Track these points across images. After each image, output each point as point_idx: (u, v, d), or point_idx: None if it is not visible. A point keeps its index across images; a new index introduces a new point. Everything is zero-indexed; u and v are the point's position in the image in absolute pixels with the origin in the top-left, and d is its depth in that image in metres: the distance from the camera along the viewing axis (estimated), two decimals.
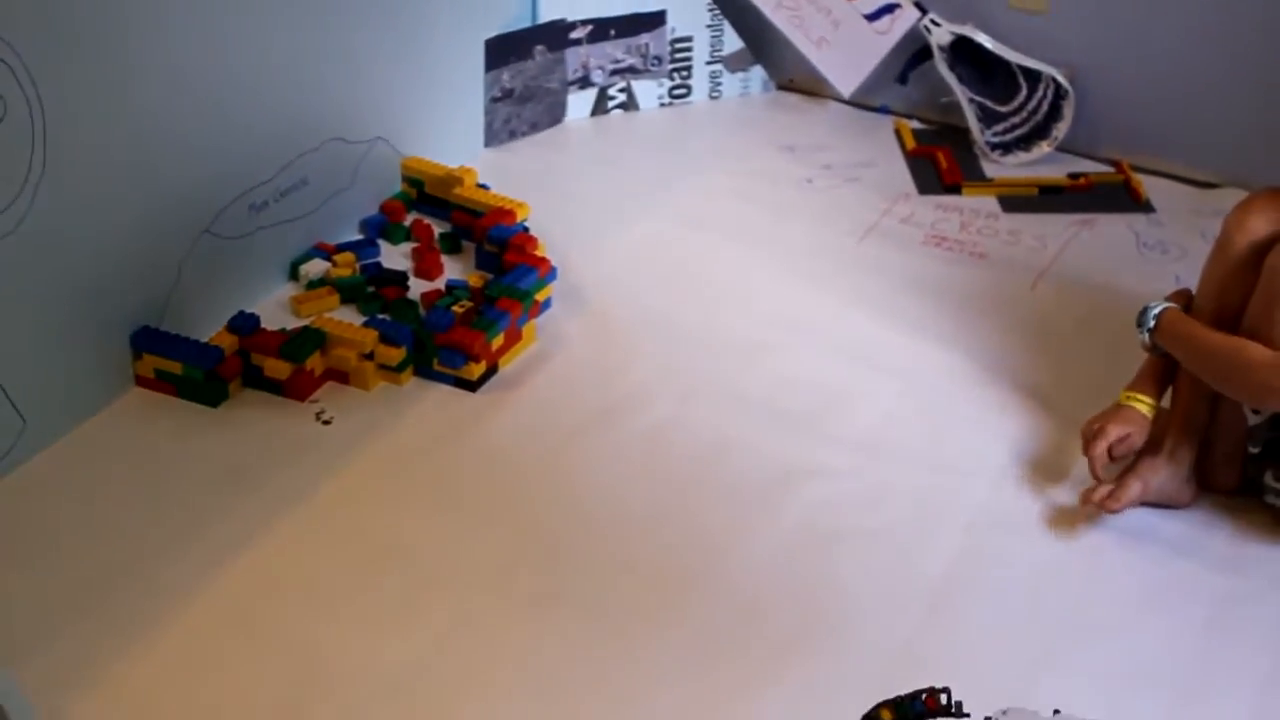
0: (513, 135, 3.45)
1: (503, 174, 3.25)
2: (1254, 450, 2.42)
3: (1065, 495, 2.47)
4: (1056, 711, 2.01)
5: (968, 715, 2.00)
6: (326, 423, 2.59)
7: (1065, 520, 2.44)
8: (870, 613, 2.24)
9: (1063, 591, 2.32)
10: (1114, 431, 2.43)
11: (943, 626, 2.24)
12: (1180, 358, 2.42)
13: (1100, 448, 2.43)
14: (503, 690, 2.11)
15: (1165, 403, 2.47)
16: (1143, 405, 2.45)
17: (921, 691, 2.00)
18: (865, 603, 2.26)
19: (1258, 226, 2.39)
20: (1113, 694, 2.14)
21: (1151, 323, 2.43)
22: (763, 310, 2.93)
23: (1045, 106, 3.47)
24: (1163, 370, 2.47)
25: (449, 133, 3.26)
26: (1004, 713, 2.01)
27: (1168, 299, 2.48)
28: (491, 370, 2.72)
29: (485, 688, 2.11)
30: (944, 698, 2.00)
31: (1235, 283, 2.39)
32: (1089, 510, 2.42)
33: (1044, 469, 2.53)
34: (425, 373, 2.70)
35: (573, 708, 2.08)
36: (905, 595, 2.29)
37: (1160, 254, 3.16)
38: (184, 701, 2.07)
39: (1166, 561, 2.37)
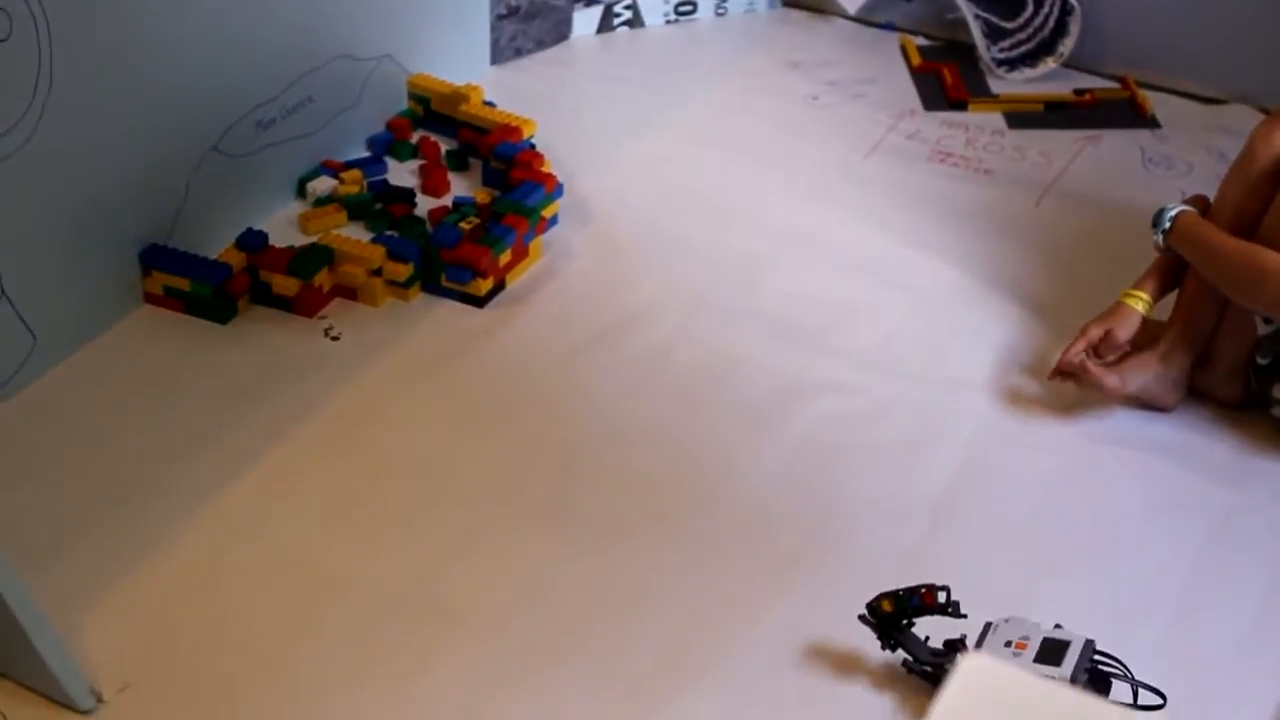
0: (518, 53, 3.43)
1: (509, 91, 3.23)
2: (1262, 362, 2.40)
3: (1065, 407, 2.46)
4: (1058, 626, 2.00)
5: (964, 616, 2.00)
6: (335, 338, 2.59)
7: (1068, 432, 2.43)
8: (875, 524, 2.24)
9: (1065, 503, 2.32)
10: (1094, 330, 2.43)
11: (946, 537, 2.24)
12: (1193, 261, 2.40)
13: (1076, 347, 2.42)
14: (507, 598, 2.11)
15: (1164, 316, 2.45)
16: (1138, 302, 2.44)
17: (921, 587, 2.00)
18: (870, 515, 2.26)
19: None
20: (1115, 603, 2.15)
21: (1167, 224, 2.41)
22: (768, 226, 2.91)
23: (1051, 22, 3.44)
24: (1168, 272, 2.45)
25: (455, 50, 3.23)
26: (1005, 620, 2.01)
27: (1185, 202, 2.46)
28: (499, 286, 2.71)
29: (490, 596, 2.11)
30: (942, 596, 2.00)
31: (1255, 197, 2.37)
32: (1064, 370, 2.43)
33: (1046, 389, 2.52)
34: (433, 289, 2.69)
35: (579, 617, 2.09)
36: (909, 507, 2.29)
37: (1165, 170, 3.14)
38: (198, 611, 2.08)
39: (1169, 474, 2.37)
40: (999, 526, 2.27)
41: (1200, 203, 2.47)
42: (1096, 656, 1.97)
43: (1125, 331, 2.43)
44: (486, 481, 2.31)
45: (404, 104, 3.12)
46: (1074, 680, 1.92)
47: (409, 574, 2.14)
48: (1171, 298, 2.46)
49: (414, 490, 2.29)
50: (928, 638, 2.02)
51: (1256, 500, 2.33)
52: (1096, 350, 2.43)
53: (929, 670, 2.01)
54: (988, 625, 2.02)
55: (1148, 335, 2.45)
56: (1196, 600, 2.16)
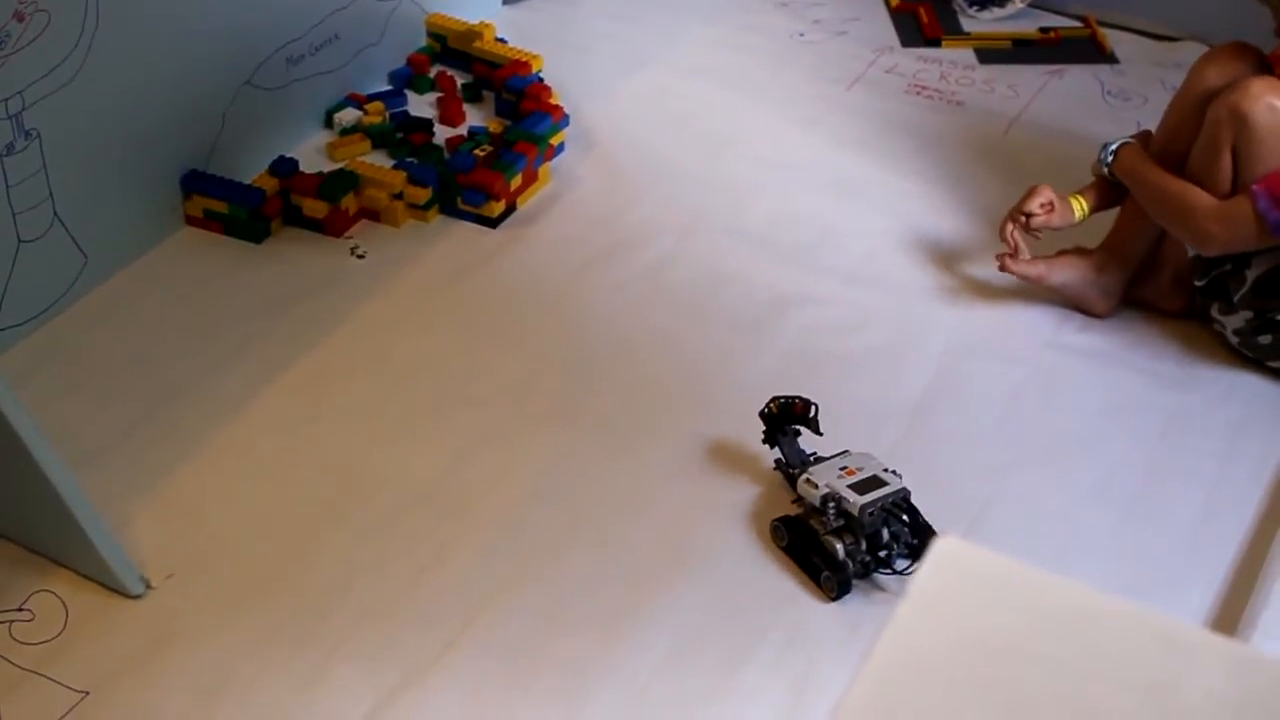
0: None
1: (519, 29, 3.19)
2: (1199, 284, 2.39)
3: (1031, 321, 2.45)
4: (895, 473, 2.02)
5: (822, 434, 2.07)
6: (360, 257, 2.57)
7: (1031, 343, 2.42)
8: (857, 426, 2.23)
9: (1028, 407, 2.31)
10: (1035, 200, 2.42)
11: (921, 438, 2.23)
12: (1131, 190, 2.39)
13: (1022, 206, 2.42)
14: (518, 495, 2.11)
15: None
16: (1076, 203, 2.44)
17: (795, 397, 2.08)
18: (852, 417, 2.24)
19: (1212, 78, 2.33)
20: (1074, 498, 2.14)
21: (1110, 157, 2.40)
22: (758, 152, 2.89)
23: None
24: (1108, 190, 2.44)
25: None
26: (861, 453, 2.07)
27: (1131, 138, 2.44)
28: (510, 208, 2.68)
29: (503, 493, 2.11)
30: (811, 411, 2.07)
31: (1185, 129, 2.34)
32: (999, 263, 2.42)
33: (1013, 297, 2.51)
34: (450, 211, 2.67)
35: (584, 512, 2.09)
36: (888, 410, 2.28)
37: (1123, 102, 3.10)
38: (235, 506, 2.07)
39: (1122, 380, 2.36)
40: (969, 427, 2.26)
41: (1145, 138, 2.44)
42: (903, 505, 1.99)
43: (1061, 220, 2.43)
44: (499, 387, 2.30)
45: (423, 41, 3.09)
46: (862, 510, 1.96)
47: (427, 472, 2.14)
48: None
49: (432, 395, 2.28)
50: (814, 453, 2.09)
51: (1203, 402, 2.32)
52: (1028, 223, 2.42)
53: (792, 473, 2.06)
54: (844, 451, 2.08)
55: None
56: (1149, 495, 2.15)
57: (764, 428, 2.09)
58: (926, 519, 2.00)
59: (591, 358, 2.37)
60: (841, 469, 2.03)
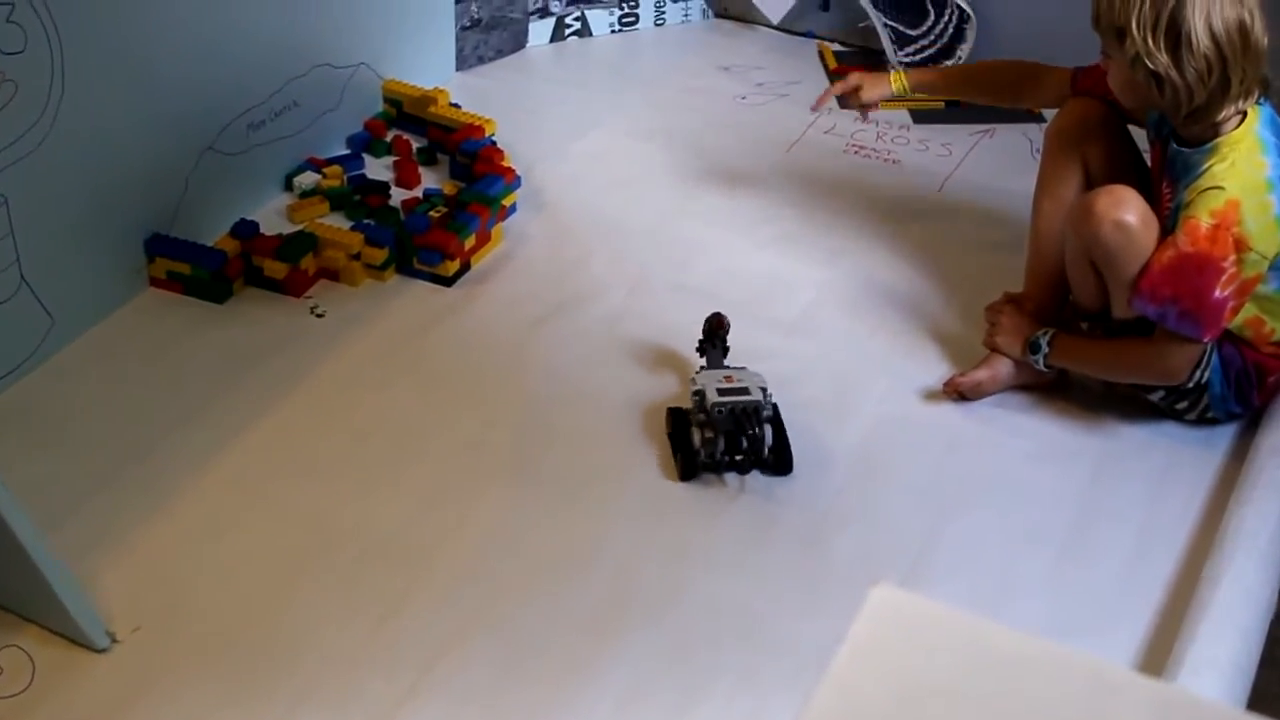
0: (480, 60, 3.41)
1: (472, 94, 3.21)
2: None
3: (963, 370, 2.47)
4: (771, 401, 2.22)
5: (726, 349, 2.36)
6: (320, 315, 2.58)
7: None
8: (798, 473, 2.25)
9: (962, 455, 2.33)
10: (853, 78, 2.67)
11: (862, 485, 2.25)
12: (1083, 372, 2.39)
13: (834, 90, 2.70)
14: (477, 545, 2.11)
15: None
16: (895, 78, 2.66)
17: (720, 314, 2.36)
18: (794, 466, 2.26)
19: (1062, 174, 2.42)
20: (1007, 541, 2.16)
21: (1046, 349, 2.35)
22: (702, 211, 2.91)
23: (950, 29, 3.44)
24: (948, 79, 2.75)
25: (424, 58, 3.21)
26: (753, 372, 2.29)
27: (1010, 298, 2.46)
28: (465, 267, 2.70)
29: (462, 544, 2.11)
30: (724, 325, 2.34)
31: (1054, 231, 2.39)
32: (948, 391, 2.41)
33: (947, 347, 2.54)
34: (406, 270, 2.68)
35: (539, 561, 2.09)
36: (829, 459, 2.30)
37: None
38: (201, 560, 2.07)
39: (1054, 427, 2.39)
40: (907, 475, 2.28)
41: (1028, 299, 2.45)
42: (754, 414, 2.20)
43: (875, 93, 2.65)
44: (457, 441, 2.30)
45: (379, 106, 3.10)
46: (713, 406, 2.20)
47: (388, 525, 2.14)
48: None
49: (392, 450, 2.28)
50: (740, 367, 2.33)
51: (1130, 448, 2.34)
52: (856, 97, 2.67)
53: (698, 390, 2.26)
54: (743, 367, 2.30)
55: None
56: (1081, 537, 2.18)
57: (700, 338, 2.35)
58: (791, 443, 2.24)
59: (545, 410, 2.38)
60: (724, 377, 2.26)
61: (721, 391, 2.22)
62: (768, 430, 2.24)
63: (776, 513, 2.19)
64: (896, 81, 2.64)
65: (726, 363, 2.35)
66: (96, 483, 2.18)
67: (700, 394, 2.23)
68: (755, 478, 2.23)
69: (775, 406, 2.28)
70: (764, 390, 2.25)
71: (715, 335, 2.36)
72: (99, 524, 2.11)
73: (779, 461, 2.23)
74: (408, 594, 2.02)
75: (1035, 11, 3.37)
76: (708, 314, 2.37)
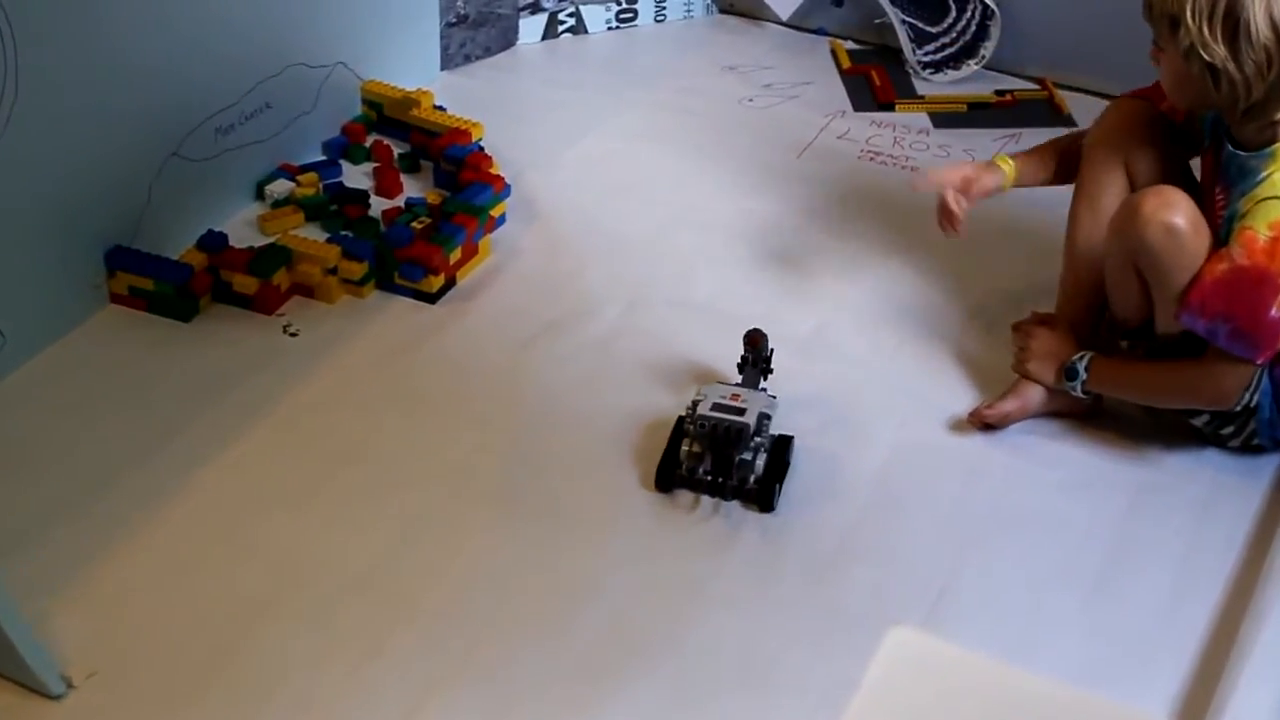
0: (467, 59, 3.41)
1: (458, 96, 3.22)
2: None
3: (989, 394, 2.47)
4: (765, 419, 2.21)
5: (768, 371, 2.39)
6: (293, 335, 2.57)
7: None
8: (810, 503, 2.25)
9: (989, 482, 2.32)
10: (958, 172, 2.47)
11: (879, 516, 2.25)
12: (1123, 397, 2.38)
13: (949, 179, 2.47)
14: (461, 582, 2.10)
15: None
16: (1006, 164, 2.50)
17: (757, 331, 2.38)
18: (806, 493, 2.26)
19: (1107, 174, 2.38)
20: (1036, 576, 2.16)
21: (1084, 374, 2.34)
22: (705, 221, 2.92)
23: (973, 27, 3.45)
24: (1042, 163, 2.53)
25: (406, 57, 3.22)
26: (771, 398, 2.30)
27: (1040, 319, 2.45)
28: (450, 283, 2.70)
29: (445, 580, 2.11)
30: (768, 351, 2.37)
31: (1094, 235, 2.37)
32: (974, 423, 2.41)
33: (971, 368, 2.53)
34: (386, 286, 2.68)
35: (528, 599, 2.09)
36: (843, 488, 2.29)
37: None
38: (163, 598, 2.06)
39: (1087, 455, 2.38)
40: (927, 506, 2.27)
41: (1064, 312, 2.45)
42: (734, 436, 2.20)
43: (993, 180, 2.48)
44: (439, 469, 2.30)
45: (358, 109, 3.11)
46: (697, 419, 2.22)
47: (365, 559, 2.13)
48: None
49: (369, 479, 2.27)
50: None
51: (1169, 478, 2.33)
52: (968, 192, 2.47)
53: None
54: (764, 389, 2.33)
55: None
56: (1114, 573, 2.17)
57: (741, 356, 2.38)
58: (802, 473, 2.27)
59: (536, 436, 2.38)
60: (731, 394, 2.27)
61: (716, 407, 2.23)
62: (760, 460, 2.23)
63: (786, 546, 2.18)
64: (1006, 167, 2.50)
65: (763, 385, 2.36)
66: (51, 516, 2.17)
67: (696, 404, 2.26)
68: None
69: (782, 440, 2.29)
70: (765, 418, 2.24)
71: (752, 353, 2.37)
72: (53, 559, 2.10)
73: (761, 495, 2.22)
74: (388, 635, 2.02)
75: (1063, 6, 3.38)
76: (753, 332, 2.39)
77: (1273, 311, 2.13)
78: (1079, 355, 2.36)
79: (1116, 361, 2.38)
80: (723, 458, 2.21)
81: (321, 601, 2.06)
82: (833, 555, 2.17)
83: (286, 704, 1.91)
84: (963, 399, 2.47)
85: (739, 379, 2.37)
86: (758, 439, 2.23)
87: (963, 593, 2.12)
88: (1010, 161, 2.51)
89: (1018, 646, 2.02)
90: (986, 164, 2.52)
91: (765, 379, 2.38)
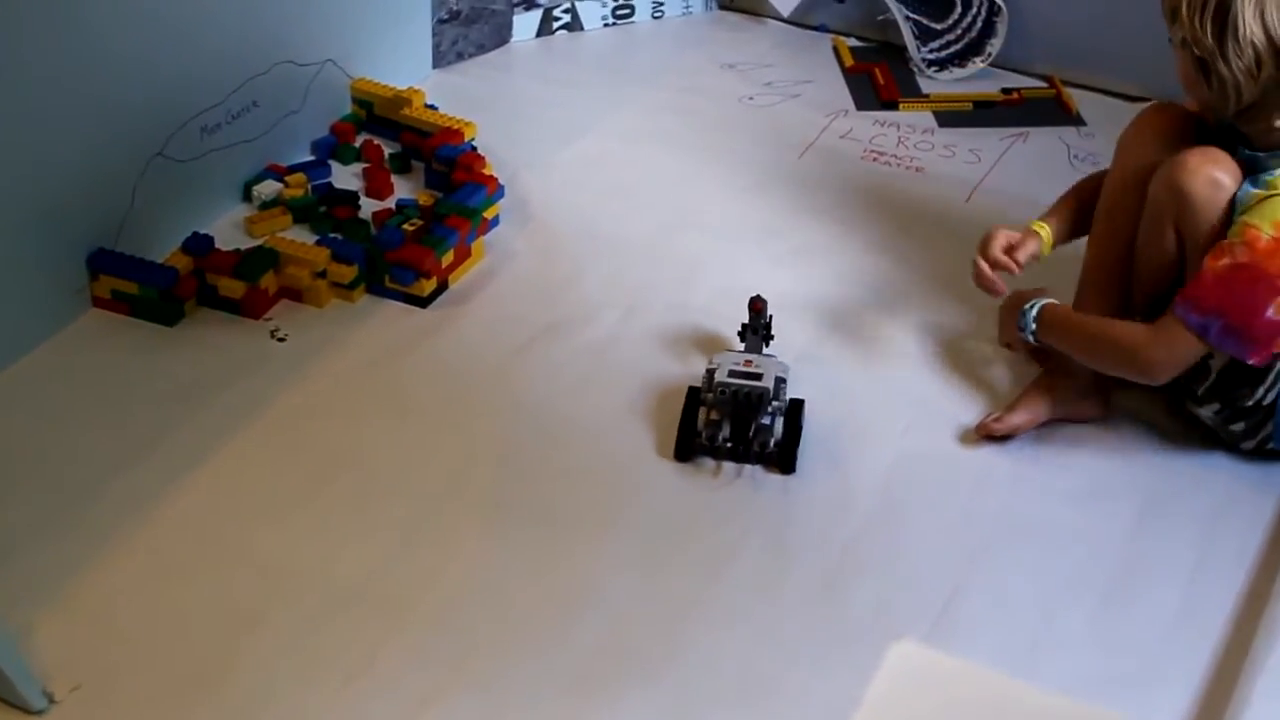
0: (460, 56, 3.42)
1: (450, 95, 3.22)
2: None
3: (996, 401, 2.47)
4: (782, 383, 2.33)
5: (769, 338, 2.46)
6: (281, 340, 2.58)
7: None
8: (814, 511, 2.25)
9: (997, 493, 2.32)
10: (998, 243, 2.41)
11: (884, 525, 2.25)
12: (1063, 349, 2.37)
13: (994, 247, 2.40)
14: (454, 594, 2.11)
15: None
16: (1042, 229, 2.45)
17: (759, 299, 2.45)
18: (809, 501, 2.26)
19: (1145, 148, 2.35)
20: (1046, 587, 2.16)
21: (1033, 324, 2.36)
22: (705, 223, 2.92)
23: (979, 24, 3.45)
24: (1074, 214, 2.47)
25: (397, 55, 3.22)
26: (778, 365, 2.37)
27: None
28: (442, 287, 2.70)
29: (437, 592, 2.11)
30: (766, 316, 2.44)
31: (1123, 208, 2.36)
32: (981, 435, 2.41)
33: (978, 375, 2.54)
34: (377, 290, 2.68)
35: (522, 610, 2.09)
36: (847, 496, 2.30)
37: (1091, 165, 3.13)
38: (148, 610, 2.06)
39: (1096, 463, 2.38)
40: (931, 517, 2.28)
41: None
42: (754, 402, 2.30)
43: (1027, 253, 2.42)
44: (431, 478, 2.30)
45: (347, 108, 3.11)
46: (715, 385, 2.32)
47: (355, 571, 2.13)
48: None
49: (359, 488, 2.28)
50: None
51: (1180, 487, 2.34)
52: (1014, 256, 2.40)
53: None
54: (773, 355, 2.40)
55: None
56: (1124, 584, 2.17)
57: (741, 326, 2.47)
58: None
59: (531, 444, 2.38)
60: (745, 360, 2.36)
61: (733, 373, 2.32)
62: (779, 424, 2.33)
63: (787, 558, 2.19)
64: (1040, 227, 2.46)
65: (767, 352, 2.44)
66: (32, 526, 2.17)
67: (712, 372, 2.33)
68: (763, 489, 2.24)
69: (796, 402, 2.38)
70: (781, 381, 2.34)
71: (753, 320, 2.45)
72: (34, 570, 2.10)
73: (783, 457, 2.30)
74: (377, 649, 2.02)
75: (1071, 2, 3.39)
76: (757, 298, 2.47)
77: (1269, 313, 2.14)
78: (1030, 303, 2.37)
79: (1066, 310, 2.39)
80: (742, 423, 2.29)
81: (310, 614, 2.06)
82: (834, 568, 2.17)
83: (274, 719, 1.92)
84: (970, 406, 2.47)
85: (741, 346, 2.46)
86: (775, 403, 2.33)
87: (969, 606, 2.12)
88: (1046, 227, 2.46)
89: (1025, 660, 2.02)
90: (1025, 230, 2.47)
91: (766, 345, 2.45)
